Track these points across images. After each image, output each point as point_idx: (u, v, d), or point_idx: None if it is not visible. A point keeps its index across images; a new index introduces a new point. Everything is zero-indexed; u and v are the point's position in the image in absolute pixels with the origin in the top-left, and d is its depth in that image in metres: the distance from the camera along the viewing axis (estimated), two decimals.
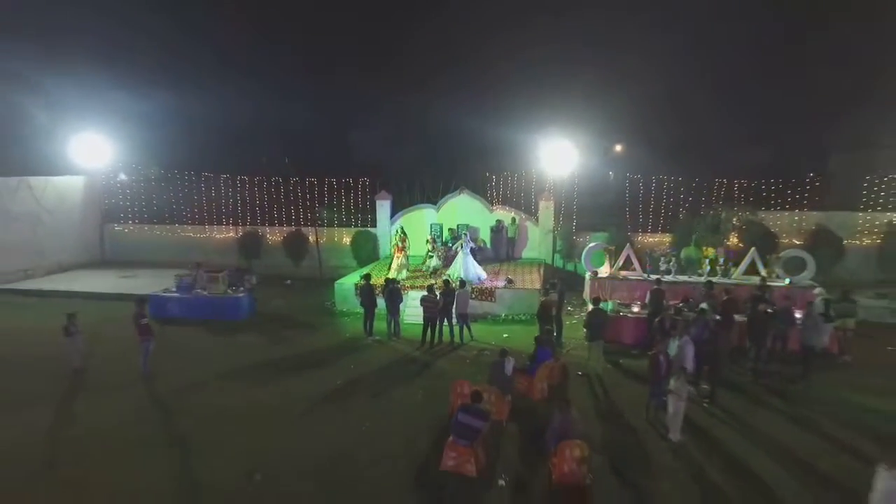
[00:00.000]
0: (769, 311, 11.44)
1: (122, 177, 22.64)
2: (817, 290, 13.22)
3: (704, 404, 9.88)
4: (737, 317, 12.14)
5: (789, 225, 19.05)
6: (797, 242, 18.62)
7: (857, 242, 18.72)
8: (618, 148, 77.08)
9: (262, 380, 11.09)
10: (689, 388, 8.73)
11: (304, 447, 8.45)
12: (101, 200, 22.27)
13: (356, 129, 27.99)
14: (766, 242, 17.70)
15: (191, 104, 25.04)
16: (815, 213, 19.07)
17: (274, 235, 21.30)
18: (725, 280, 14.24)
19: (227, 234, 21.68)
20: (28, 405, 9.83)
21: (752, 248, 14.54)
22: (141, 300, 11.49)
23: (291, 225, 21.32)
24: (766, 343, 11.34)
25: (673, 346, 9.34)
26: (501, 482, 7.48)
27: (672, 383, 8.46)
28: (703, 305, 11.43)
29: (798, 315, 11.86)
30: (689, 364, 9.25)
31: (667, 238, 19.40)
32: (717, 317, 11.62)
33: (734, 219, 18.57)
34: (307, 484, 7.49)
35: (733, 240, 18.37)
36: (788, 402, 10.08)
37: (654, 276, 14.04)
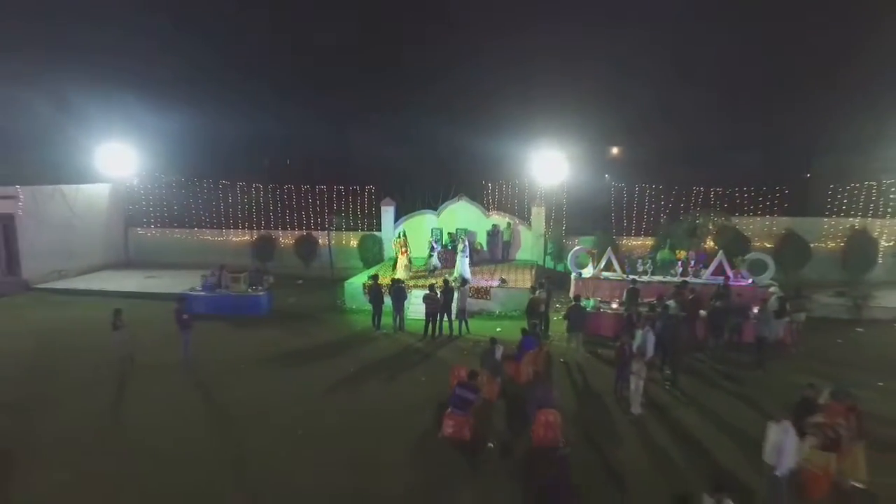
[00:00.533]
0: (728, 306, 13.12)
1: (135, 181, 24.04)
2: (772, 290, 14.85)
3: (666, 386, 11.55)
4: (702, 312, 13.80)
5: (761, 229, 20.71)
6: (768, 245, 20.29)
7: (823, 246, 20.39)
8: (614, 150, 78.99)
9: (286, 366, 12.77)
10: (646, 370, 10.39)
11: (326, 421, 10.12)
12: (124, 206, 23.94)
13: (363, 141, 29.79)
14: (739, 246, 19.32)
15: (210, 118, 26.89)
16: (784, 218, 20.73)
17: (286, 239, 22.96)
18: (696, 280, 15.89)
19: (242, 237, 23.34)
20: (91, 388, 11.52)
21: (720, 252, 16.21)
22: (181, 298, 13.18)
23: (303, 229, 22.99)
24: (724, 335, 13.03)
25: (638, 337, 11.00)
26: (490, 445, 9.15)
27: (634, 366, 10.12)
28: (670, 303, 13.09)
29: (754, 310, 13.52)
30: (650, 351, 10.92)
31: (650, 241, 21.08)
32: (684, 313, 13.30)
33: (710, 224, 20.26)
34: (331, 449, 9.15)
35: (709, 243, 20.04)
36: (740, 384, 11.73)
37: (631, 277, 15.72)
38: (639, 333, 11.08)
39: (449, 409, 9.31)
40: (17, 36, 24.57)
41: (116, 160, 22.89)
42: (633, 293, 14.51)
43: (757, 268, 16.01)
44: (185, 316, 12.46)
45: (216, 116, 27.33)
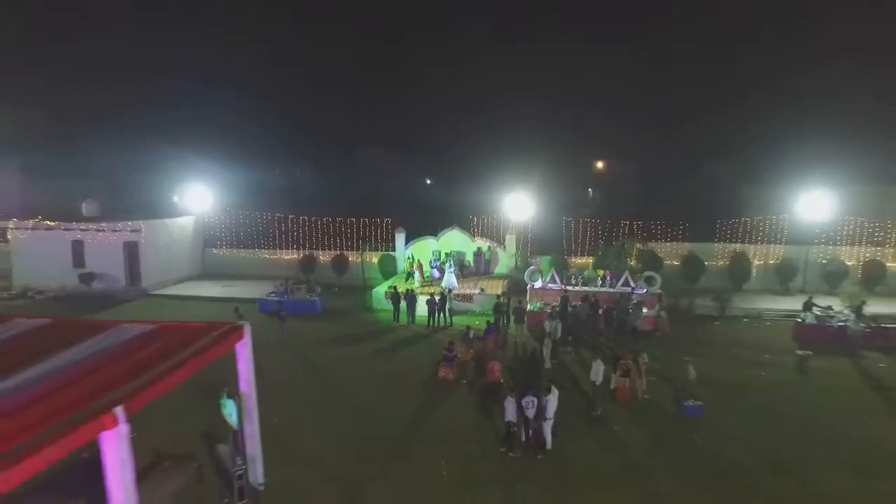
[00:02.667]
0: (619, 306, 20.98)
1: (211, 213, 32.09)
2: (634, 297, 22.47)
3: (571, 354, 19.40)
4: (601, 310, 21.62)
5: (670, 252, 28.55)
6: (676, 263, 28.16)
7: (715, 264, 28.24)
8: (599, 164, 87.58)
9: (341, 344, 20.61)
10: (551, 343, 18.24)
11: (372, 374, 17.96)
12: (203, 232, 31.89)
13: (382, 185, 38.21)
14: (654, 264, 27.16)
15: (268, 173, 35.50)
16: (686, 243, 28.59)
17: (325, 257, 30.83)
18: (610, 290, 23.65)
19: (291, 255, 31.24)
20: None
21: (626, 271, 24.02)
22: (280, 302, 21.06)
23: (337, 249, 30.87)
24: (613, 325, 20.87)
25: (552, 324, 18.83)
26: (464, 382, 16.99)
27: (545, 341, 17.97)
28: (578, 304, 20.90)
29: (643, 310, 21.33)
30: (558, 333, 18.78)
31: (591, 260, 28.93)
32: (590, 311, 21.13)
33: (633, 248, 28.08)
34: (375, 387, 16.97)
35: (634, 262, 27.82)
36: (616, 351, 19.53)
37: (565, 287, 23.54)
38: (553, 322, 18.93)
39: (441, 363, 17.17)
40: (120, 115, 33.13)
41: (197, 198, 30.86)
42: (565, 298, 22.31)
43: (650, 281, 23.82)
44: (283, 313, 20.36)
45: (270, 164, 35.91)
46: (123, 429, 7.38)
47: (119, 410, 7.28)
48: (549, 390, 12.79)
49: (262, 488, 11.04)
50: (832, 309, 21.95)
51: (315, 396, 16.05)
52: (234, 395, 10.89)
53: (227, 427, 11.45)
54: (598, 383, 14.92)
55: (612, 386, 15.54)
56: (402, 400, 15.80)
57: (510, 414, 12.51)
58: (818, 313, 21.40)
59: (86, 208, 30.25)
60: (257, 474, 11.07)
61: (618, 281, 23.96)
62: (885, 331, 20.11)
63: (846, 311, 21.32)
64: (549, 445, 12.66)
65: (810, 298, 22.03)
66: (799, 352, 18.61)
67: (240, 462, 10.81)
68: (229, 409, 11.05)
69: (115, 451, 7.44)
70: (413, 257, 27.17)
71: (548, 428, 12.65)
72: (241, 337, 10.60)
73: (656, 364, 17.45)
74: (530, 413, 12.46)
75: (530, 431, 12.67)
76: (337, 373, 17.89)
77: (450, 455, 12.73)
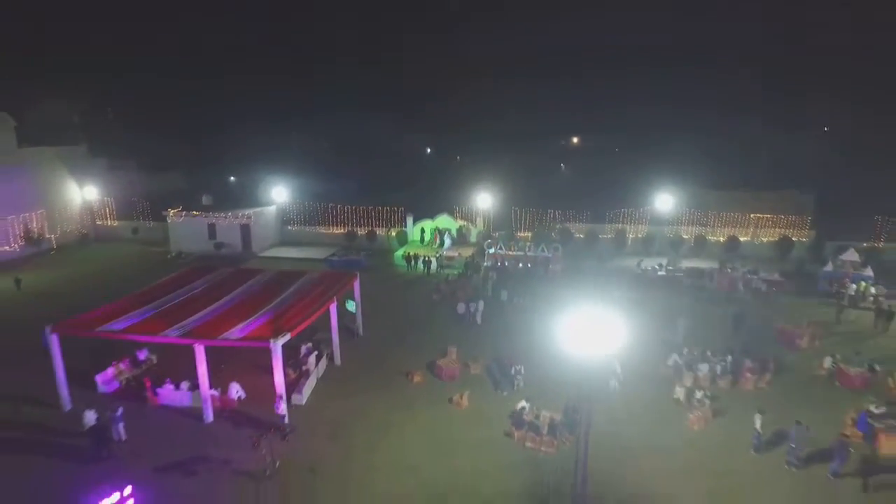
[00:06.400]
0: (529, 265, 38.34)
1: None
2: (540, 258, 39.70)
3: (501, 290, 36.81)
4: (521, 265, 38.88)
5: (579, 229, 45.62)
6: (581, 236, 45.32)
7: (606, 236, 45.34)
8: (574, 140, 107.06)
9: (381, 283, 37.92)
10: (490, 286, 35.66)
11: (399, 297, 35.42)
12: (282, 214, 48.88)
13: (397, 190, 55.05)
14: (568, 237, 44.32)
15: (321, 179, 52.20)
16: (588, 224, 45.63)
17: (361, 231, 47.87)
18: (531, 254, 40.72)
19: (339, 230, 48.29)
20: None
21: (542, 244, 41.07)
22: (347, 261, 38.29)
23: (370, 226, 47.90)
24: (529, 272, 38.21)
25: (492, 274, 36.06)
26: (444, 300, 34.48)
27: (488, 282, 35.33)
28: (509, 262, 38.17)
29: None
30: (494, 277, 36.13)
31: (530, 233, 46.01)
32: (518, 265, 38.37)
33: (556, 226, 45.13)
34: (401, 303, 34.42)
35: (555, 235, 44.89)
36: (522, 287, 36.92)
37: (508, 252, 40.69)
38: (491, 273, 36.20)
39: (434, 292, 34.56)
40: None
41: (278, 192, 47.73)
42: (498, 258, 39.50)
43: (556, 249, 40.94)
44: (353, 268, 37.66)
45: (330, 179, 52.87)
46: (335, 304, 24.87)
47: (335, 297, 24.78)
48: (479, 300, 30.26)
49: (361, 334, 28.64)
50: (661, 265, 39.27)
51: (374, 306, 33.47)
52: (352, 299, 28.19)
53: (348, 313, 28.70)
54: (505, 300, 32.38)
55: (515, 301, 32.92)
56: (415, 309, 33.34)
57: (461, 310, 30.00)
58: (644, 267, 38.67)
59: (205, 199, 47.21)
60: (360, 329, 28.68)
61: (536, 248, 41.17)
62: (676, 276, 37.49)
63: (663, 265, 38.70)
64: (479, 322, 30.15)
65: (641, 260, 39.33)
66: (621, 287, 36.07)
67: (356, 324, 28.38)
68: (351, 306, 28.30)
69: (334, 312, 24.98)
70: (426, 230, 44.65)
71: (479, 315, 30.09)
72: (356, 278, 27.94)
73: (547, 294, 34.77)
74: (471, 309, 29.89)
75: (471, 318, 30.09)
76: (382, 296, 35.25)
77: (435, 328, 30.26)
